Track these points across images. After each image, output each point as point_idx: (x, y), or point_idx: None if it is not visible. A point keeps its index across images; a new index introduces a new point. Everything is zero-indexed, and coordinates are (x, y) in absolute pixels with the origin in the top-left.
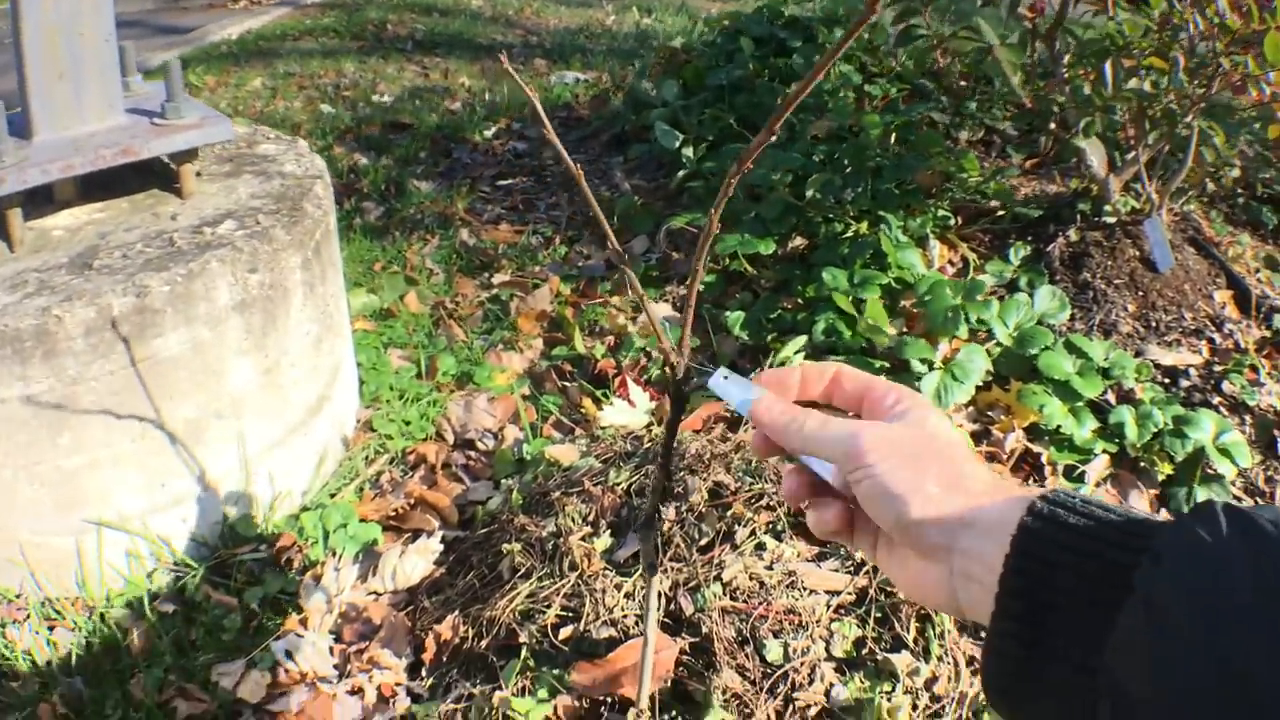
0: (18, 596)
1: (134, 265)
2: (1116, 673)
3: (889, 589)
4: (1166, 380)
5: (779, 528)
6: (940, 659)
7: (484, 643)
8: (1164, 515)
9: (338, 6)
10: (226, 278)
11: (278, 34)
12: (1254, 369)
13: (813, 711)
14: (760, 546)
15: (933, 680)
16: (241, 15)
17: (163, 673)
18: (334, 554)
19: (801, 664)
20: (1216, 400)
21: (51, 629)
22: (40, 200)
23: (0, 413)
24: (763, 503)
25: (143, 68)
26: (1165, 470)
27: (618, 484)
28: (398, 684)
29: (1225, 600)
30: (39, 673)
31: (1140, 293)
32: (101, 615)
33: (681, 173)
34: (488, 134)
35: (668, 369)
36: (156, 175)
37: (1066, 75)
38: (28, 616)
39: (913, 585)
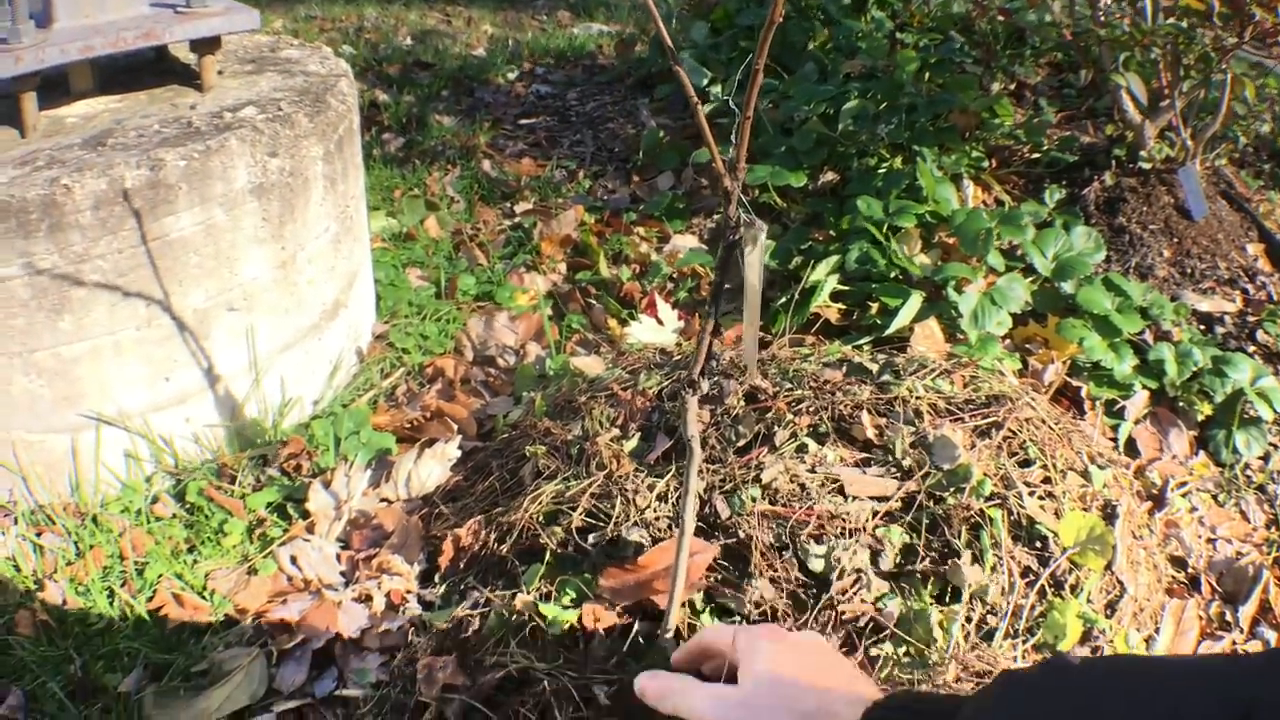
0: (8, 502)
1: (149, 143)
2: None
3: (938, 493)
4: (1202, 326)
5: (821, 430)
6: (994, 569)
7: (504, 547)
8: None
9: None
10: (245, 158)
11: None
12: None
13: (861, 622)
14: (801, 449)
15: (984, 590)
16: None
17: (156, 577)
18: (345, 460)
19: (846, 572)
20: (1251, 349)
21: (39, 534)
22: (56, 92)
23: None
24: (803, 406)
25: None
26: (1204, 410)
27: (648, 387)
28: (408, 591)
29: None
30: (23, 580)
31: (1175, 239)
32: (95, 519)
33: (709, 108)
34: (511, 76)
35: (722, 188)
36: (176, 74)
37: (1104, 19)
38: (15, 521)
39: None
